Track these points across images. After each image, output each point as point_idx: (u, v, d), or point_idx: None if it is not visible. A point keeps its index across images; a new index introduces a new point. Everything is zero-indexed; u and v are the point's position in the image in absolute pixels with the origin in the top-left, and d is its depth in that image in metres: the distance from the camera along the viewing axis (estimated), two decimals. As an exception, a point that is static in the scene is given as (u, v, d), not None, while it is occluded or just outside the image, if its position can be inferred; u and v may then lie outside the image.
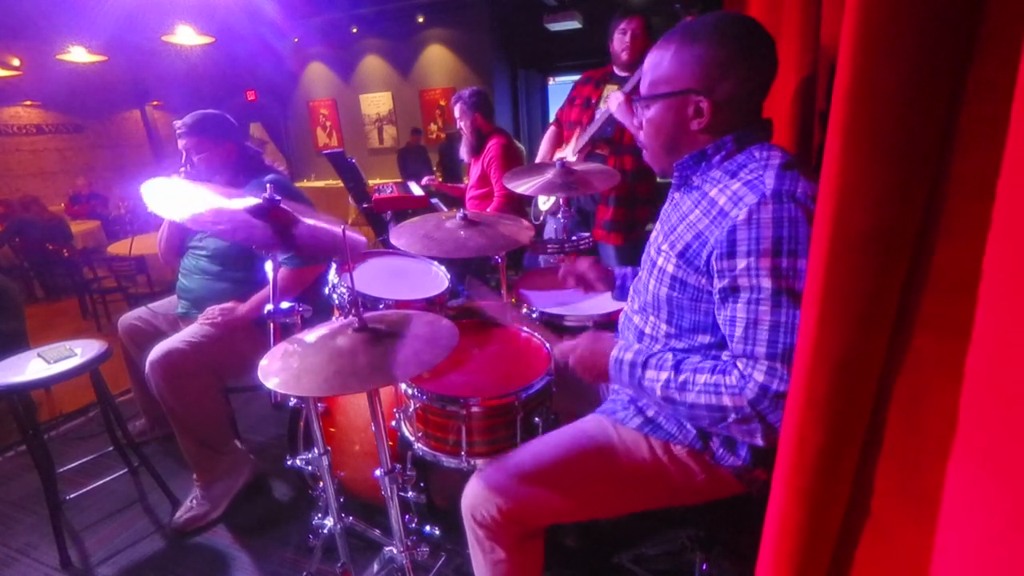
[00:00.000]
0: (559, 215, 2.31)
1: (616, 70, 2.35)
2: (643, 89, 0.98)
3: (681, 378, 0.92)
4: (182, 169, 1.92)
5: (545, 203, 2.59)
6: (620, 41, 2.28)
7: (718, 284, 0.87)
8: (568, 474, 1.04)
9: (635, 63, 2.28)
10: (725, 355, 0.92)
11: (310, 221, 1.28)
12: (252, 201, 1.22)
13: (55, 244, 4.92)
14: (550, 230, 2.58)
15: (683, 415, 0.95)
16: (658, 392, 0.94)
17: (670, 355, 0.96)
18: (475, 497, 1.05)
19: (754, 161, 0.90)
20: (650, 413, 1.05)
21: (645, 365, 0.97)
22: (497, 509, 1.02)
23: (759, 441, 0.87)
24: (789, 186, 0.83)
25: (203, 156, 1.86)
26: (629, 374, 0.98)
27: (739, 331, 0.85)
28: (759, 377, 0.83)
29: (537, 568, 1.14)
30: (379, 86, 8.08)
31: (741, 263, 0.83)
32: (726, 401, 0.86)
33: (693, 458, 1.01)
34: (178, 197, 1.24)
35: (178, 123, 1.86)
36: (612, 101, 2.14)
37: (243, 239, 1.16)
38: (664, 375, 0.93)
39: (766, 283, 0.82)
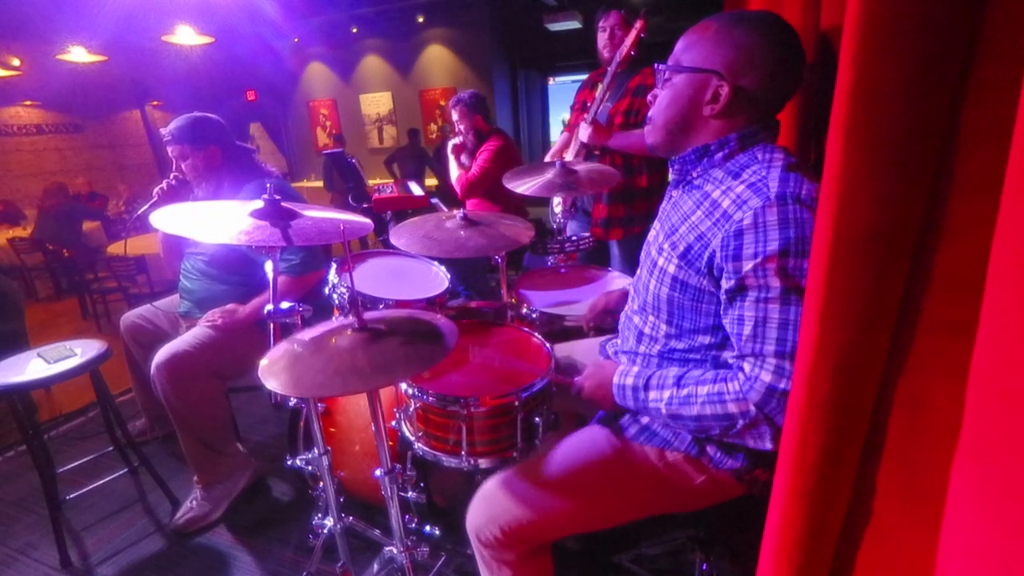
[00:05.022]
0: (561, 217, 2.30)
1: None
2: (670, 59, 0.97)
3: (684, 392, 0.92)
4: (173, 175, 1.91)
5: (558, 205, 2.57)
6: (601, 39, 2.23)
7: (724, 285, 0.87)
8: (567, 489, 1.04)
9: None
10: (728, 357, 0.92)
11: (311, 213, 1.28)
12: (255, 205, 1.22)
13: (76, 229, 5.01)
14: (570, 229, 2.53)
15: (692, 429, 0.94)
16: (663, 411, 0.94)
17: (671, 372, 0.96)
18: (478, 519, 1.06)
19: (757, 163, 0.89)
20: (644, 421, 1.05)
21: (647, 387, 0.97)
22: (500, 529, 1.02)
23: (768, 445, 0.86)
24: (793, 188, 0.82)
25: (188, 163, 1.85)
26: (633, 398, 0.99)
27: (747, 330, 0.85)
28: (766, 377, 0.83)
29: None
30: (379, 86, 8.08)
31: (748, 264, 0.82)
32: (731, 408, 0.86)
33: (690, 463, 1.00)
34: (184, 217, 1.23)
35: (164, 131, 1.84)
36: (582, 133, 2.12)
37: (248, 242, 1.16)
38: (667, 393, 0.94)
39: (774, 282, 0.81)
